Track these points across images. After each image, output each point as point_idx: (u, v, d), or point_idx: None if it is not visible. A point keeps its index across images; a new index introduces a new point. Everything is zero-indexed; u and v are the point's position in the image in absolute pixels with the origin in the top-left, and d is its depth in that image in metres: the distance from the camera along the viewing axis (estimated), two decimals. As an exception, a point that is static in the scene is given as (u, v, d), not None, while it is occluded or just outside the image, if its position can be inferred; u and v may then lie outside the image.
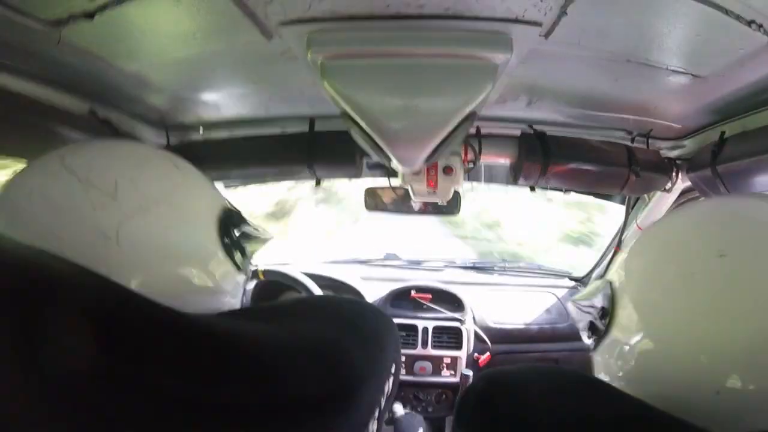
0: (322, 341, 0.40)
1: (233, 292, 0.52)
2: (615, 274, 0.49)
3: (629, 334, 0.44)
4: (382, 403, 0.46)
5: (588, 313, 0.51)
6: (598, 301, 0.49)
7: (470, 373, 1.17)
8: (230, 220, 0.53)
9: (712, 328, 0.37)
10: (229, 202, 0.57)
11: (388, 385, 0.48)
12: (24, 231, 0.40)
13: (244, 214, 0.58)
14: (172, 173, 0.49)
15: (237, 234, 0.53)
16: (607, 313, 0.48)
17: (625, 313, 0.46)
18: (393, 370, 0.50)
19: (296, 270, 1.33)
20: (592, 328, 0.51)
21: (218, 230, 0.50)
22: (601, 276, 1.39)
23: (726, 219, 0.44)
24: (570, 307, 1.24)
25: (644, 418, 0.34)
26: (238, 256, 0.52)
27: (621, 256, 0.51)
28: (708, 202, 0.48)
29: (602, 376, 0.49)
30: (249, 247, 0.56)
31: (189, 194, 0.49)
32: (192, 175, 0.52)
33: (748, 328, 0.36)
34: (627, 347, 0.44)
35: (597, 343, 0.50)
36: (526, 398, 0.39)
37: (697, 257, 0.41)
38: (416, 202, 1.20)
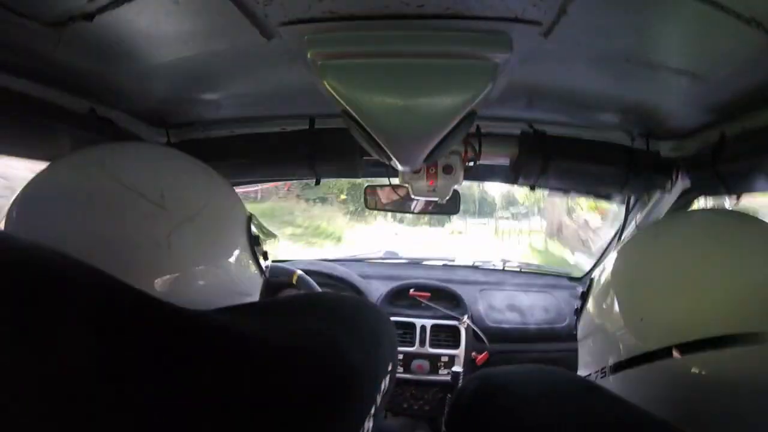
0: (317, 338, 0.40)
1: (254, 292, 0.54)
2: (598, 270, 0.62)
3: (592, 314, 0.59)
4: (378, 401, 0.46)
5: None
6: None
7: (461, 370, 1.18)
8: (251, 225, 0.55)
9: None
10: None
11: (385, 383, 0.48)
12: (63, 228, 0.41)
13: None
14: (209, 182, 0.51)
15: (257, 238, 0.55)
16: (584, 296, 0.64)
17: (592, 296, 0.61)
18: (389, 368, 0.50)
19: (296, 267, 1.33)
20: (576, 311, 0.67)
21: (246, 236, 0.52)
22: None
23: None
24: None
25: (639, 421, 0.35)
26: (261, 258, 0.55)
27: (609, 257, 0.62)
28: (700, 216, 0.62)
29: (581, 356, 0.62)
30: (262, 247, 0.58)
31: (224, 202, 0.51)
32: (224, 183, 0.54)
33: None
34: (588, 322, 0.60)
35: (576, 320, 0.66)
36: (518, 399, 0.39)
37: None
38: (416, 201, 1.20)
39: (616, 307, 0.52)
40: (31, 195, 0.44)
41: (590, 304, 0.62)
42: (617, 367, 0.49)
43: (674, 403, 0.42)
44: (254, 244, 0.53)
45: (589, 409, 0.36)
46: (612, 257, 0.61)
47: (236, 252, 0.50)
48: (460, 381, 1.19)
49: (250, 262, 0.52)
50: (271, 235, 0.61)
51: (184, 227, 0.43)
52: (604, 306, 0.56)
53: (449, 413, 0.46)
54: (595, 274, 0.62)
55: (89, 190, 0.43)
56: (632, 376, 0.47)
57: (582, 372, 0.60)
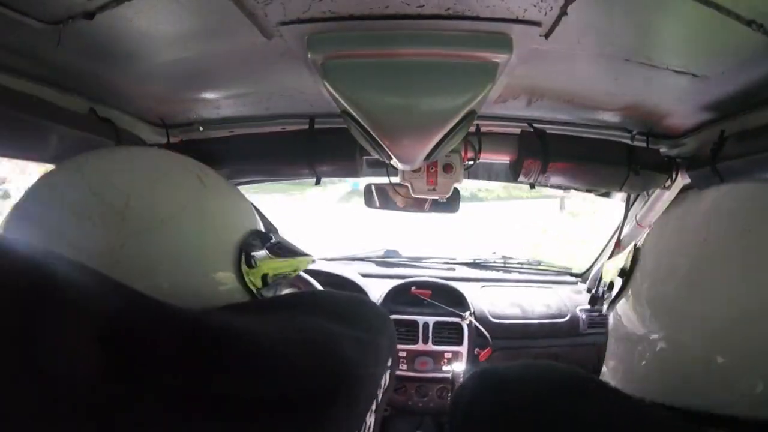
0: (317, 335, 0.41)
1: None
2: (642, 241, 0.51)
3: (640, 299, 0.46)
4: (379, 397, 0.46)
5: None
6: (620, 262, 0.52)
7: (460, 369, 1.18)
8: (255, 245, 0.49)
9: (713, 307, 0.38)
10: (260, 224, 0.54)
11: (385, 379, 0.49)
12: (41, 234, 0.41)
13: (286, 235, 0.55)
14: (192, 189, 0.47)
15: (264, 257, 0.50)
16: (625, 272, 0.50)
17: (641, 277, 0.48)
18: (389, 364, 0.50)
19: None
20: (611, 287, 0.53)
21: (234, 253, 0.47)
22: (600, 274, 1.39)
23: (704, 204, 0.46)
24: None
25: (638, 417, 0.35)
26: (256, 282, 0.49)
27: (646, 235, 0.52)
28: (736, 190, 0.48)
29: (610, 342, 0.52)
30: (280, 269, 0.53)
31: (207, 212, 0.47)
32: (218, 192, 0.49)
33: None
34: (636, 311, 0.47)
35: (612, 302, 0.52)
36: (518, 395, 0.39)
37: (720, 239, 0.41)
38: (416, 200, 1.20)
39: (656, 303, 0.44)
40: (23, 199, 0.45)
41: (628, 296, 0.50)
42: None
43: None
44: (246, 263, 0.47)
45: (589, 404, 0.36)
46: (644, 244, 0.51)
47: (209, 268, 0.45)
48: (460, 379, 1.20)
49: (234, 280, 0.47)
50: (301, 255, 0.54)
51: (141, 238, 0.41)
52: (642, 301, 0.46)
53: (450, 410, 0.46)
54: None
55: (62, 195, 0.43)
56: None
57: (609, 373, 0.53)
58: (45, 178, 0.46)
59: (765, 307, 0.36)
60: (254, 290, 0.48)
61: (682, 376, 0.40)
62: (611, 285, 0.54)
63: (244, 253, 0.48)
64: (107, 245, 0.40)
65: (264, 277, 0.50)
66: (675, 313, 0.42)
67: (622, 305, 0.50)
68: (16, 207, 0.45)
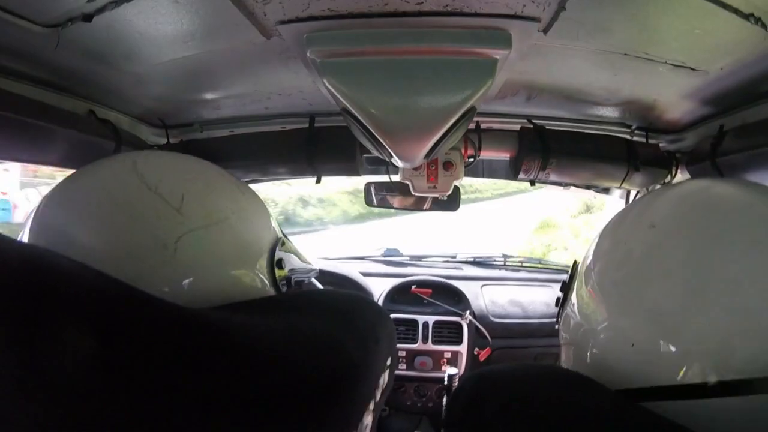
0: (316, 334, 0.41)
1: None
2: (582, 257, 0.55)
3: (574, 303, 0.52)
4: (378, 396, 0.46)
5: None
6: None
7: (456, 372, 1.18)
8: (276, 248, 0.54)
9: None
10: (278, 228, 0.58)
11: (384, 379, 0.48)
12: (83, 227, 0.41)
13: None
14: (236, 197, 0.50)
15: (279, 261, 0.54)
16: (566, 286, 0.58)
17: (575, 286, 0.54)
18: (388, 363, 0.50)
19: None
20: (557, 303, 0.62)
21: (267, 258, 0.52)
22: None
23: (661, 197, 0.50)
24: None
25: (635, 419, 0.35)
26: (283, 285, 0.54)
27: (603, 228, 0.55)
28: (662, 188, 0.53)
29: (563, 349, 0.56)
30: (289, 273, 0.56)
31: (248, 220, 0.50)
32: (252, 201, 0.53)
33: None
34: (571, 312, 0.53)
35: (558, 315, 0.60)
36: (516, 397, 0.39)
37: (631, 229, 0.47)
38: (417, 197, 1.20)
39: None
40: (61, 189, 0.45)
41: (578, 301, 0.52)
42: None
43: None
44: (277, 266, 0.52)
45: (586, 406, 0.36)
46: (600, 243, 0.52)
47: (249, 271, 0.49)
48: (455, 382, 1.20)
49: (266, 283, 0.51)
50: (304, 260, 0.60)
51: (196, 234, 0.43)
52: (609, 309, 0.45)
53: (447, 412, 0.46)
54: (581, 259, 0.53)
55: (115, 187, 0.43)
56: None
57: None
58: (88, 173, 0.46)
59: (712, 296, 0.37)
60: (283, 290, 0.53)
61: (630, 362, 0.40)
62: (557, 301, 0.62)
63: (275, 256, 0.52)
64: (163, 239, 0.41)
65: (288, 279, 0.55)
66: (622, 301, 0.43)
67: (569, 309, 0.55)
68: (49, 200, 0.45)
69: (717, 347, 0.35)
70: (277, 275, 0.52)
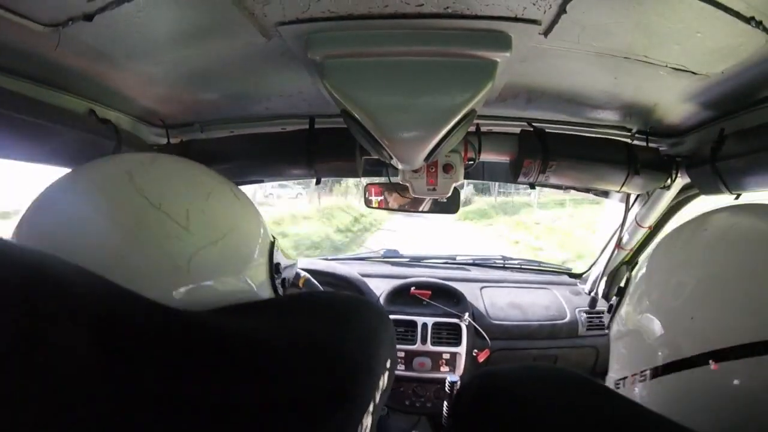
0: (315, 337, 0.40)
1: None
2: (639, 265, 0.57)
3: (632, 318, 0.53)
4: (377, 398, 0.46)
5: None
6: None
7: (457, 379, 1.18)
8: (273, 251, 0.55)
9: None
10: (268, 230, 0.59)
11: (383, 381, 0.48)
12: (84, 246, 0.39)
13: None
14: (234, 204, 0.50)
15: (277, 265, 0.55)
16: (620, 291, 0.58)
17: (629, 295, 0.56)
18: (388, 365, 0.50)
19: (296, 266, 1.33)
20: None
21: (267, 261, 0.52)
22: (602, 272, 1.39)
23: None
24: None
25: (639, 420, 0.35)
26: (279, 286, 0.54)
27: (650, 248, 0.58)
28: (742, 216, 0.52)
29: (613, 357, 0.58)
30: (284, 274, 0.57)
31: (250, 228, 0.50)
32: (248, 205, 0.53)
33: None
34: (623, 322, 0.56)
35: (610, 319, 0.60)
36: (520, 398, 0.39)
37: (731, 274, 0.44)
38: (416, 199, 1.20)
39: (656, 309, 0.49)
40: (52, 200, 0.43)
41: (627, 304, 0.57)
42: (656, 373, 0.47)
43: (715, 413, 0.40)
44: (275, 270, 0.53)
45: (593, 409, 0.36)
46: (652, 253, 0.57)
47: (255, 277, 0.49)
48: (457, 380, 1.20)
49: (268, 287, 0.52)
50: (289, 257, 0.61)
51: (207, 251, 0.43)
52: (643, 306, 0.52)
53: (452, 415, 0.46)
54: (635, 272, 0.58)
55: (114, 203, 0.41)
56: (671, 382, 0.45)
57: (614, 374, 0.59)
58: (76, 180, 0.44)
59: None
60: (278, 292, 0.54)
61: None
62: (609, 308, 0.63)
63: (272, 261, 0.53)
64: (174, 259, 0.40)
65: (283, 282, 0.55)
66: (677, 326, 0.45)
67: (624, 320, 0.57)
68: (38, 208, 0.42)
69: None
70: (275, 279, 0.53)
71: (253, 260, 0.49)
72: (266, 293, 0.51)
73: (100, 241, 0.39)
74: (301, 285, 1.22)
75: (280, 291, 0.55)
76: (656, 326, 0.48)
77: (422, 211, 1.25)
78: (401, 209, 1.24)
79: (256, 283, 0.49)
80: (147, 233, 0.40)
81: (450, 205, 1.19)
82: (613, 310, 0.62)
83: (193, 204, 0.44)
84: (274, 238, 0.56)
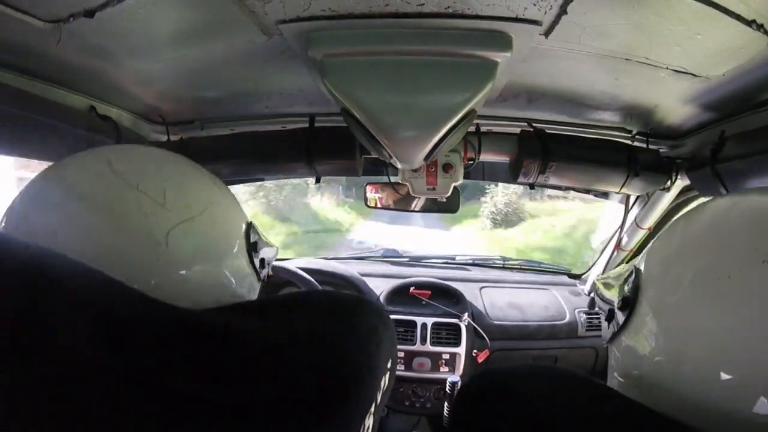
0: (316, 336, 0.40)
1: (252, 295, 0.56)
2: (643, 263, 0.45)
3: (648, 332, 0.41)
4: (379, 399, 0.46)
5: (609, 302, 0.48)
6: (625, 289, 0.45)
7: (458, 380, 1.18)
8: (250, 233, 0.56)
9: (742, 340, 0.34)
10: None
11: (384, 381, 0.48)
12: (69, 233, 0.40)
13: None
14: (211, 187, 0.51)
15: (254, 244, 0.56)
16: (630, 303, 0.44)
17: (648, 308, 0.42)
18: (389, 365, 0.50)
19: (295, 266, 1.34)
20: (611, 317, 0.47)
21: (245, 241, 0.54)
22: (601, 273, 1.39)
23: None
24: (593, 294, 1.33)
25: (640, 419, 0.34)
26: (258, 264, 0.56)
27: (650, 244, 0.47)
28: (748, 201, 0.42)
29: (614, 375, 0.47)
30: (261, 254, 0.58)
31: (224, 208, 0.52)
32: (225, 191, 0.55)
33: None
34: (644, 346, 0.41)
35: (614, 335, 0.46)
36: (521, 398, 0.39)
37: (736, 261, 0.36)
38: (416, 199, 1.20)
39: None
40: (34, 192, 0.45)
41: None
42: None
43: None
44: (252, 250, 0.54)
45: (593, 408, 0.36)
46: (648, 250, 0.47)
47: (233, 256, 0.51)
48: (457, 380, 1.20)
49: (247, 267, 0.53)
50: (270, 244, 0.63)
51: (184, 227, 0.44)
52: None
53: (453, 415, 0.46)
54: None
55: (93, 188, 0.43)
56: None
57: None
58: (59, 174, 0.46)
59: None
60: (257, 270, 0.55)
61: (688, 392, 0.36)
62: (610, 314, 0.48)
63: (249, 241, 0.54)
64: (153, 235, 0.42)
65: (261, 261, 0.56)
66: (681, 328, 0.37)
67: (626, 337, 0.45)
68: (21, 200, 0.44)
69: None
70: (254, 258, 0.54)
71: (230, 238, 0.51)
72: (245, 273, 0.53)
73: (82, 222, 0.41)
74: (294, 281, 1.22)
75: (260, 272, 0.56)
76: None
77: (421, 211, 1.25)
78: (401, 209, 1.24)
79: (234, 262, 0.51)
80: (125, 212, 0.42)
81: (450, 204, 1.19)
82: (620, 325, 0.47)
83: (169, 183, 0.46)
84: (250, 222, 0.58)
